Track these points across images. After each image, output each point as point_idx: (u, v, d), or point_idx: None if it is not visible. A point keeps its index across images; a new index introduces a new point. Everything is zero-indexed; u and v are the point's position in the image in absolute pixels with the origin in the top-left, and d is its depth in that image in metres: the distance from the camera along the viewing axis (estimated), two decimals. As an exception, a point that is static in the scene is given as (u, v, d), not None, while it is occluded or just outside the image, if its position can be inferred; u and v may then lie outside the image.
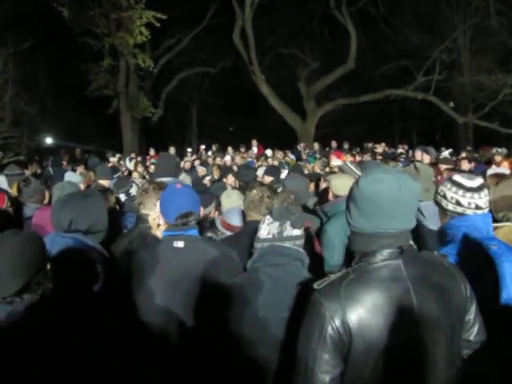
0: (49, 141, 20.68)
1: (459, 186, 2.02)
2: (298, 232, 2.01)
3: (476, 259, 1.87)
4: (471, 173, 5.44)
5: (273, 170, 5.22)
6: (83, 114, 20.73)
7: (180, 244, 2.16)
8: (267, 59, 19.16)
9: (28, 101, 13.60)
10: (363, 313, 1.37)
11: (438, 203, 2.14)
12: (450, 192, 2.04)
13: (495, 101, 15.81)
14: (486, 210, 2.02)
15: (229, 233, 3.16)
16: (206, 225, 3.26)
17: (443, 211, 2.11)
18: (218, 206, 3.85)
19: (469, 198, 1.99)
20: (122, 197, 4.32)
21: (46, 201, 4.29)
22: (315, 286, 1.45)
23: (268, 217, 2.04)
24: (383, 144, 12.00)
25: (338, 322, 1.37)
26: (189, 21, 18.68)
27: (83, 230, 2.43)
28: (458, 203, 2.01)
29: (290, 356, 1.51)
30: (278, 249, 1.97)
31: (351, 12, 17.31)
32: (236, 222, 3.19)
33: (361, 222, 1.51)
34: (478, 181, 2.04)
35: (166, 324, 2.07)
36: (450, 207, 2.04)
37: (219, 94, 24.19)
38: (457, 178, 2.07)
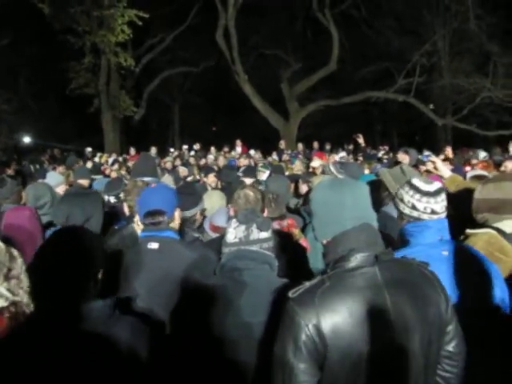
0: (27, 140, 20.36)
1: (416, 189, 2.00)
2: (265, 234, 1.98)
3: (432, 262, 1.87)
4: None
5: (250, 172, 5.21)
6: (64, 112, 20.49)
7: (154, 245, 2.16)
8: (250, 59, 19.17)
9: (6, 99, 13.36)
10: (339, 321, 1.35)
11: (396, 206, 2.13)
12: (407, 195, 2.02)
13: (473, 103, 16.14)
14: (443, 215, 2.00)
15: (215, 235, 3.11)
16: (191, 226, 3.22)
17: (400, 215, 2.09)
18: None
19: (425, 203, 1.96)
20: (112, 199, 4.25)
21: (24, 201, 4.23)
22: (290, 294, 1.42)
23: (234, 220, 2.02)
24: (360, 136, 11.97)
25: (312, 331, 1.35)
26: (172, 20, 18.60)
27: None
28: (414, 207, 1.99)
29: (264, 363, 1.50)
30: (245, 253, 1.94)
31: (334, 14, 17.43)
32: (221, 223, 3.12)
33: (321, 230, 1.57)
34: (436, 185, 2.02)
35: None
36: (407, 211, 2.02)
37: (202, 93, 24.13)
38: (415, 181, 2.04)
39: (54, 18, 13.75)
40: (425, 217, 1.97)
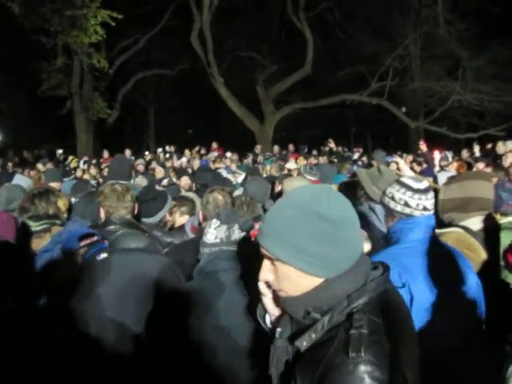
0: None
1: (407, 187, 2.05)
2: (246, 235, 1.97)
3: (425, 258, 1.94)
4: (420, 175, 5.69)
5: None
6: (36, 114, 20.01)
7: (103, 255, 2.18)
8: (225, 62, 19.16)
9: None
10: None
11: (385, 205, 2.16)
12: (399, 193, 2.06)
13: (444, 106, 16.53)
14: (432, 212, 2.07)
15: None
16: (162, 230, 3.18)
17: (390, 213, 2.13)
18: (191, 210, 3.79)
19: (417, 200, 2.02)
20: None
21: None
22: (355, 354, 1.05)
23: (215, 220, 1.98)
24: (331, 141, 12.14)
25: None
26: (146, 21, 18.42)
27: None
28: (407, 204, 2.04)
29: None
30: (228, 253, 1.92)
31: (308, 18, 17.62)
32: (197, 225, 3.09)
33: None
34: (425, 183, 2.09)
35: (112, 333, 2.03)
36: (399, 208, 2.06)
37: (178, 96, 23.96)
38: (405, 180, 2.11)
39: (24, 17, 13.44)
40: (417, 213, 2.03)
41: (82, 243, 2.26)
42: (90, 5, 13.40)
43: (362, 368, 1.02)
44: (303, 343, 1.13)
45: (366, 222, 2.77)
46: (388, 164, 5.66)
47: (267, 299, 1.31)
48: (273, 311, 1.32)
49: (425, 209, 2.02)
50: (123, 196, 2.85)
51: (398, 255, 1.95)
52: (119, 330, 2.04)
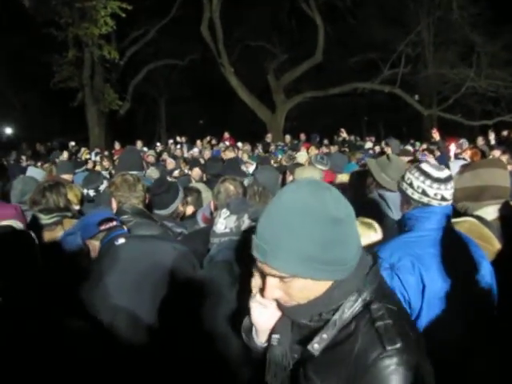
0: (8, 131, 20.02)
1: (427, 175, 1.97)
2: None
3: (439, 247, 1.90)
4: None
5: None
6: (48, 106, 20.19)
7: (121, 240, 2.20)
8: (236, 51, 19.06)
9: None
10: None
11: (402, 191, 2.08)
12: (417, 181, 1.99)
13: (458, 93, 16.25)
14: (450, 202, 2.01)
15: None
16: (174, 221, 3.20)
17: (407, 199, 2.05)
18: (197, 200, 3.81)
19: (435, 189, 1.95)
20: (91, 192, 4.25)
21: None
22: (392, 346, 1.04)
23: (224, 210, 1.98)
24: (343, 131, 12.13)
25: None
26: (156, 12, 18.37)
27: None
28: (425, 193, 1.96)
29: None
30: (237, 243, 1.89)
31: (318, 5, 17.40)
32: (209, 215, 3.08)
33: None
34: (446, 172, 2.01)
35: (124, 321, 2.05)
36: (416, 196, 1.99)
37: (188, 86, 23.93)
38: (425, 167, 2.02)
39: (35, 10, 13.50)
40: (434, 203, 1.96)
41: (102, 227, 2.29)
42: (100, -4, 13.41)
43: (403, 358, 1.01)
44: (315, 346, 1.08)
45: (376, 210, 2.74)
46: (407, 153, 5.61)
47: (267, 311, 1.19)
48: (268, 324, 1.22)
49: (443, 199, 1.96)
50: (134, 186, 2.88)
51: (412, 244, 1.92)
52: (131, 319, 2.06)
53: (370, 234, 2.11)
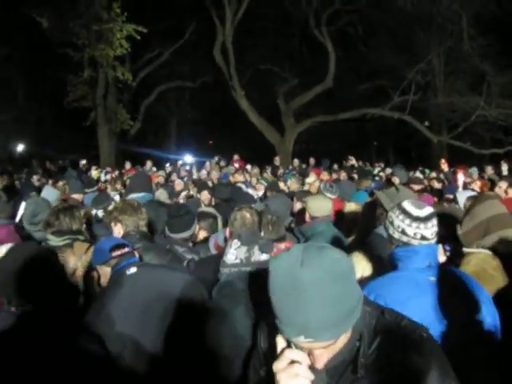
0: (20, 148, 20.30)
1: (406, 214, 1.94)
2: (266, 257, 1.97)
3: (418, 286, 1.86)
4: (441, 193, 5.58)
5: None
6: (60, 125, 20.49)
7: (133, 269, 2.20)
8: (247, 75, 19.33)
9: (3, 109, 13.39)
10: None
11: (386, 229, 2.08)
12: (397, 220, 1.97)
13: (468, 121, 16.25)
14: (433, 241, 1.96)
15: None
16: (186, 245, 3.21)
17: (390, 238, 2.05)
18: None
19: (415, 228, 1.92)
20: (100, 213, 4.32)
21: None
22: (425, 333, 1.32)
23: (236, 241, 2.00)
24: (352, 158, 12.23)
25: None
26: (169, 35, 18.76)
27: None
28: (404, 232, 1.94)
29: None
30: (247, 274, 1.93)
31: (330, 32, 17.66)
32: (222, 242, 3.11)
33: None
34: (427, 210, 1.96)
35: (130, 350, 2.03)
36: (396, 235, 1.98)
37: (199, 107, 24.22)
38: (406, 205, 1.99)
39: (53, 31, 13.85)
40: (414, 242, 1.93)
41: (114, 254, 2.28)
42: (117, 19, 13.74)
43: (432, 343, 1.28)
44: (361, 372, 1.19)
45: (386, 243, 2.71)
46: (416, 182, 5.56)
47: (299, 380, 1.12)
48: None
49: (423, 238, 1.92)
50: (139, 209, 2.95)
51: (390, 284, 1.90)
52: (136, 348, 2.06)
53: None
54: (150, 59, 19.90)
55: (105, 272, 2.33)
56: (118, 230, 2.93)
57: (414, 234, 1.93)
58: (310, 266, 1.06)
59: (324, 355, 1.13)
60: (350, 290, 1.12)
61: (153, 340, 2.06)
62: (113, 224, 2.92)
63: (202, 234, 3.72)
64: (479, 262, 2.34)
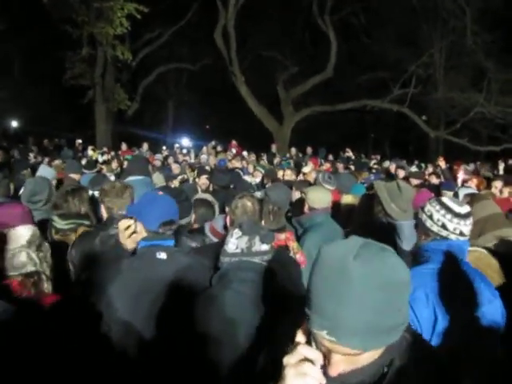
0: (14, 124, 20.07)
1: (448, 209, 2.02)
2: (266, 247, 1.98)
3: (454, 281, 1.92)
4: (439, 188, 5.60)
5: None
6: (57, 102, 20.28)
7: (163, 255, 2.13)
8: (247, 60, 19.15)
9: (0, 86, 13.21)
10: None
11: (421, 222, 2.12)
12: (438, 214, 2.04)
13: (466, 117, 16.24)
14: (467, 238, 2.05)
15: (215, 239, 3.06)
16: (187, 234, 3.19)
17: (425, 231, 2.09)
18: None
19: (455, 224, 2.00)
20: (96, 193, 4.28)
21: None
22: None
23: (237, 230, 2.00)
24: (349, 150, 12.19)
25: None
26: (171, 15, 18.50)
27: None
28: (444, 227, 2.01)
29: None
30: (247, 264, 1.94)
31: (333, 21, 17.50)
32: (221, 228, 3.08)
33: None
34: (466, 208, 2.05)
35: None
36: (435, 229, 2.04)
37: (197, 91, 24.03)
38: (447, 201, 2.07)
39: (52, 6, 13.60)
40: (452, 237, 2.01)
41: (161, 230, 2.17)
42: (118, -3, 13.52)
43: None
44: None
45: (387, 239, 2.73)
46: (415, 176, 5.56)
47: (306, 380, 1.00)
48: None
49: (461, 234, 2.01)
50: (121, 192, 2.87)
51: (427, 275, 1.94)
52: (127, 330, 2.04)
53: None
54: (150, 40, 19.66)
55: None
56: (104, 213, 2.90)
57: (454, 229, 2.01)
58: (363, 261, 0.95)
59: (341, 364, 1.00)
60: (397, 305, 0.98)
61: (143, 322, 2.03)
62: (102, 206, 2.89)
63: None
64: (474, 261, 2.36)
